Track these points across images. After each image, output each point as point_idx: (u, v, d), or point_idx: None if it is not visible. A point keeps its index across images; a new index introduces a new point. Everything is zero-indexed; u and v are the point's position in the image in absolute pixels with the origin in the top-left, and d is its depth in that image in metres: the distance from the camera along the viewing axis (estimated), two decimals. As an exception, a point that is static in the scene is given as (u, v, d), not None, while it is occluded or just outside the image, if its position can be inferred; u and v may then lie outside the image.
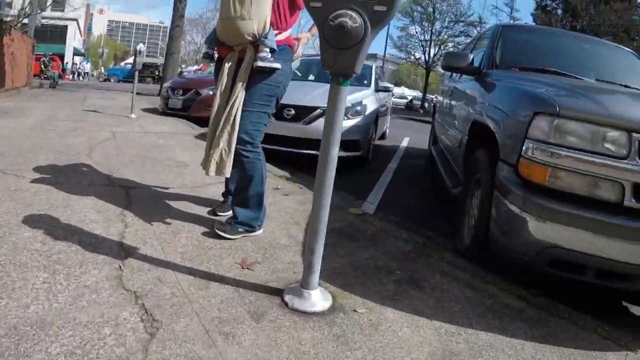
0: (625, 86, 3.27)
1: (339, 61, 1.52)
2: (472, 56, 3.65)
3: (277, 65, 2.30)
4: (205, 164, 2.33)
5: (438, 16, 30.44)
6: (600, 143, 1.90)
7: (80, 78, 35.31)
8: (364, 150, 5.36)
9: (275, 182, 3.68)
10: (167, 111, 8.53)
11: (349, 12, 1.47)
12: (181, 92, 8.51)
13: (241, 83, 2.30)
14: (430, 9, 30.28)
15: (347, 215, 3.05)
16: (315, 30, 2.35)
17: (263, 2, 2.26)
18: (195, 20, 46.05)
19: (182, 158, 4.37)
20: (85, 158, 3.98)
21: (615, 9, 19.48)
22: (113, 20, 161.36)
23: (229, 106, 2.28)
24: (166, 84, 9.76)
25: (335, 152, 1.64)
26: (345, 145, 4.91)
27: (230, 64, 2.38)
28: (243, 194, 2.41)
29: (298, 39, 2.53)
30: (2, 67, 10.59)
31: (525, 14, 31.13)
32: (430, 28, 30.68)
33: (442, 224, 3.59)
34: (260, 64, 2.26)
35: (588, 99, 2.14)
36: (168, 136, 5.78)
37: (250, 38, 2.29)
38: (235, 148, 2.27)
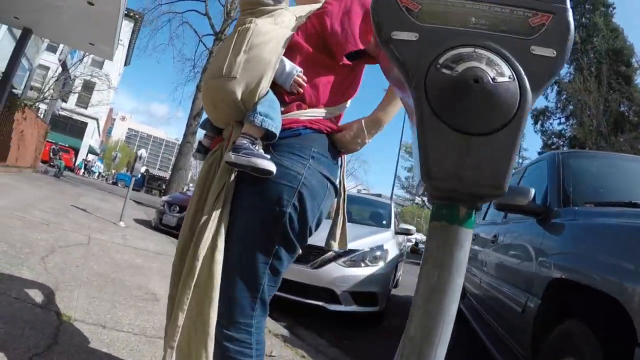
0: None
1: (469, 165, 0.64)
2: (533, 191, 2.87)
3: (264, 165, 1.21)
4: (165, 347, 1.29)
5: (445, 158, 30.57)
6: None
7: (90, 176, 35.56)
8: (381, 305, 4.30)
9: (268, 345, 2.62)
10: (160, 227, 7.73)
11: (485, 53, 0.66)
12: (178, 209, 7.78)
13: (214, 199, 1.27)
14: (437, 151, 30.54)
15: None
16: (385, 114, 1.41)
17: (261, 51, 1.28)
18: (208, 142, 47.39)
19: (155, 289, 3.35)
20: (36, 261, 3.09)
21: (623, 139, 20.06)
22: (132, 129, 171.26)
23: (192, 244, 1.25)
24: (164, 198, 9.11)
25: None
26: (360, 298, 3.98)
27: (211, 162, 1.39)
28: None
29: (347, 129, 1.42)
30: (8, 141, 10.32)
31: (532, 153, 33.37)
32: (437, 169, 30.55)
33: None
34: (232, 157, 1.23)
35: None
36: (150, 256, 4.81)
37: (230, 109, 1.31)
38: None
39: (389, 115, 1.43)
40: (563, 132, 28.25)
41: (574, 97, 24.47)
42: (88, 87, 26.98)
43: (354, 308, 3.98)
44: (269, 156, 1.26)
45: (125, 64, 35.17)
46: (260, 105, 1.26)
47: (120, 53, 33.07)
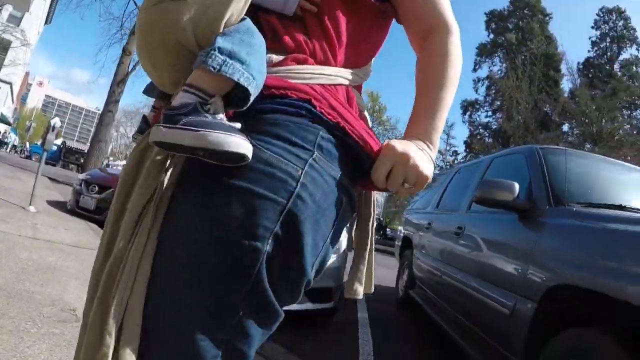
0: None
1: None
2: (518, 187, 2.74)
3: (229, 144, 0.60)
4: None
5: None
6: None
7: (1, 148, 32.10)
8: (335, 300, 3.86)
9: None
10: (76, 210, 6.74)
11: None
12: (97, 188, 6.77)
13: (135, 215, 0.67)
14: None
15: None
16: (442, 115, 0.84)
17: None
18: (132, 112, 43.15)
19: (73, 301, 2.65)
20: None
21: (545, 137, 21.81)
22: (50, 96, 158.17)
23: (97, 304, 0.64)
24: (81, 176, 7.85)
25: None
26: (314, 294, 3.56)
27: (142, 148, 0.74)
28: None
29: (378, 151, 0.79)
30: None
31: (459, 141, 37.14)
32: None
33: None
34: (161, 131, 0.62)
35: None
36: (66, 250, 4.02)
37: (177, 58, 0.67)
38: None
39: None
40: (489, 124, 30.71)
41: (506, 93, 25.76)
42: (1, 46, 23.89)
43: (307, 306, 3.53)
44: (239, 125, 0.65)
45: (46, 22, 31.58)
46: (225, 37, 0.65)
47: (42, 9, 29.74)
